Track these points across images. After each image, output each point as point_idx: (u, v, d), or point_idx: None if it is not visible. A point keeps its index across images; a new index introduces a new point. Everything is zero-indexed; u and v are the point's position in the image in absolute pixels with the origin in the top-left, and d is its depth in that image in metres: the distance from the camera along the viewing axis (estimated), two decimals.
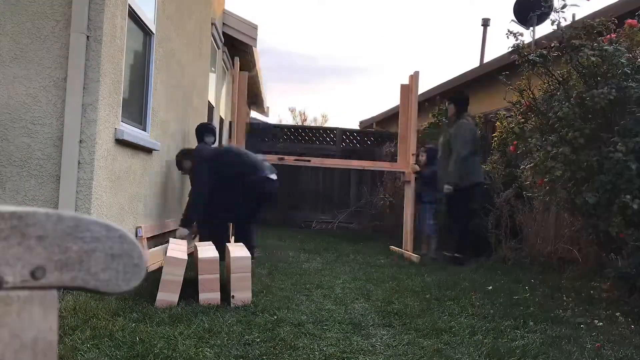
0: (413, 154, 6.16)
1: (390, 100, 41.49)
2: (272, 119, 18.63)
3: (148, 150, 4.36)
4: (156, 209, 4.78)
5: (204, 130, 5.32)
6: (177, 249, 3.43)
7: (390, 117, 13.40)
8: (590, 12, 5.50)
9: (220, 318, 2.91)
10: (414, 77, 6.31)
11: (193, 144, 6.29)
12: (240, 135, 6.42)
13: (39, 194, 3.24)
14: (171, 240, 3.87)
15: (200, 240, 4.59)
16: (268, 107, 15.46)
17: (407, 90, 6.39)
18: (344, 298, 3.63)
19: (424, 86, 6.66)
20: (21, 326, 0.54)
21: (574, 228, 4.86)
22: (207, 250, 3.50)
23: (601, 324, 3.18)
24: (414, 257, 5.64)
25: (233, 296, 3.25)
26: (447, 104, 5.88)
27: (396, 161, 6.84)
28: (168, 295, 3.15)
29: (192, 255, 3.91)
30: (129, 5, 3.79)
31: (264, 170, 4.61)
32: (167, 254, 3.22)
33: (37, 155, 3.24)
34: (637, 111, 3.54)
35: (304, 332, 2.76)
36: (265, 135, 9.83)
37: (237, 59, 6.48)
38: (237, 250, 3.55)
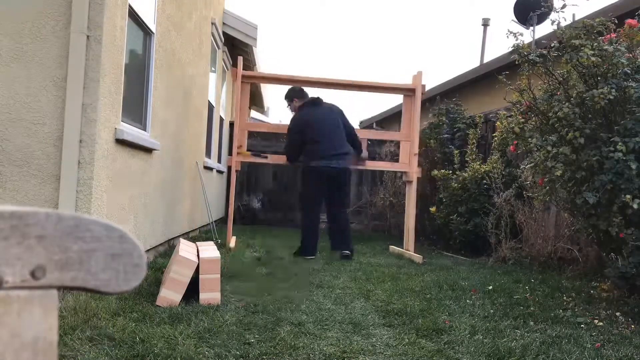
0: (415, 154, 6.19)
1: (390, 100, 41.42)
2: (272, 118, 18.58)
3: (148, 150, 4.36)
4: (156, 209, 4.78)
5: None
6: (188, 250, 3.43)
7: (391, 117, 13.40)
8: (590, 12, 5.51)
9: (220, 318, 2.91)
10: (417, 77, 6.33)
11: (194, 143, 6.29)
12: (241, 136, 6.36)
13: (39, 194, 3.24)
14: (181, 240, 3.86)
15: None
16: (268, 107, 15.47)
17: (410, 90, 6.41)
18: (344, 298, 3.63)
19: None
20: (21, 326, 0.54)
21: (574, 228, 4.86)
22: (207, 250, 3.49)
23: (601, 323, 3.18)
24: (416, 257, 5.63)
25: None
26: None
27: (397, 161, 6.85)
28: (172, 293, 3.15)
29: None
30: (129, 5, 3.79)
31: None
32: (179, 254, 3.22)
33: (37, 155, 3.24)
34: (637, 111, 3.54)
35: (304, 331, 2.76)
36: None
37: (240, 58, 6.43)
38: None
